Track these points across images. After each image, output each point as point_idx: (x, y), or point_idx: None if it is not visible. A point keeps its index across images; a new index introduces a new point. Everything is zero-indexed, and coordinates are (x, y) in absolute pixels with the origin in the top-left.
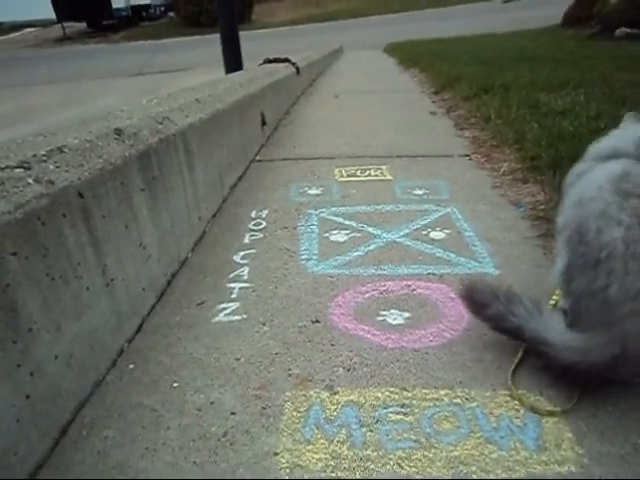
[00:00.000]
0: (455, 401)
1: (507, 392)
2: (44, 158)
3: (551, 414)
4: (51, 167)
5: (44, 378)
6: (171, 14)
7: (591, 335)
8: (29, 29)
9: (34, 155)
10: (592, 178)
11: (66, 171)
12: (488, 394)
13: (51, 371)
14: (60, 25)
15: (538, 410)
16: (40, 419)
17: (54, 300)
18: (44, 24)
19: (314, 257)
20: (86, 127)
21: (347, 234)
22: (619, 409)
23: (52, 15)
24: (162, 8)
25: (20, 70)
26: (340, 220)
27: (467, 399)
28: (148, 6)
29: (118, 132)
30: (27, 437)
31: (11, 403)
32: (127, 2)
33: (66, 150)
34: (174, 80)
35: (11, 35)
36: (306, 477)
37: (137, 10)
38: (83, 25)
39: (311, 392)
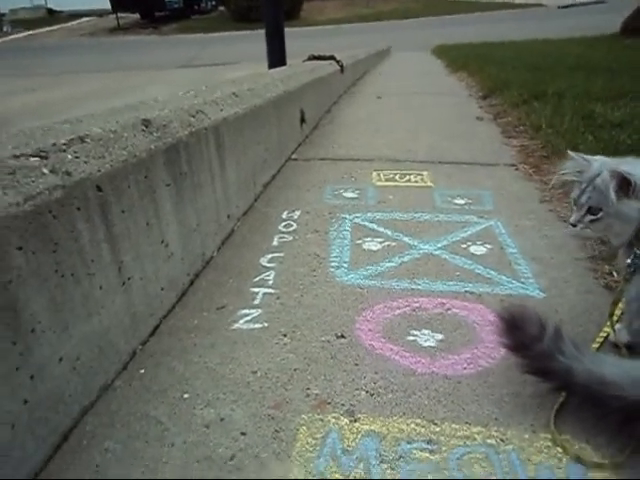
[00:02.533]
0: (489, 441)
1: (548, 436)
2: (64, 147)
3: (599, 467)
4: (69, 157)
5: (45, 382)
6: (222, 8)
7: None
8: (86, 18)
9: (53, 144)
10: None
11: (85, 162)
12: (527, 436)
13: (54, 374)
14: (115, 15)
15: (584, 461)
16: (38, 426)
17: (62, 299)
18: (100, 14)
19: (344, 265)
20: (114, 117)
21: (381, 242)
22: None
23: (108, 5)
24: (213, 2)
25: (76, 57)
26: (374, 227)
27: (502, 440)
28: None
29: (146, 123)
30: (22, 445)
31: (6, 409)
32: None
33: (88, 140)
34: (220, 73)
35: (69, 24)
36: None
37: (189, 3)
38: (136, 16)
39: (329, 417)
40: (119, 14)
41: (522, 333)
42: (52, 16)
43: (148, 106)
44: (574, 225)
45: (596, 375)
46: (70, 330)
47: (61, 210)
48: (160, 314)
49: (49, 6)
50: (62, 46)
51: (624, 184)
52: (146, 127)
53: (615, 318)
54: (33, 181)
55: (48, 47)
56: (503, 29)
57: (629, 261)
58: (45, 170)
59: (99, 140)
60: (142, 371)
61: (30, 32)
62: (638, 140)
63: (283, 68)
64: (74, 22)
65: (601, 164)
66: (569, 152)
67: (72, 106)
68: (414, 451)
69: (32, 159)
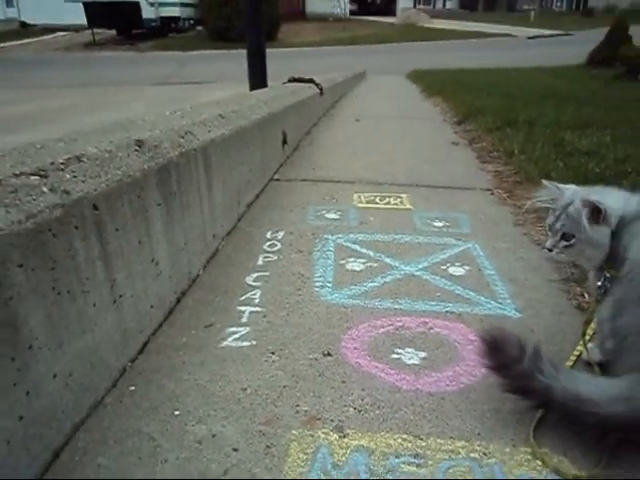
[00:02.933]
0: (472, 455)
1: (528, 449)
2: (62, 166)
3: (576, 479)
4: (68, 176)
5: (40, 398)
6: (199, 28)
7: (636, 378)
8: (61, 33)
9: (52, 163)
10: None
11: (83, 181)
12: (508, 450)
13: (48, 391)
14: (90, 31)
15: (562, 473)
16: (32, 442)
17: (58, 315)
18: (76, 29)
19: (328, 285)
20: (107, 136)
21: (363, 263)
22: None
23: (84, 21)
24: (191, 21)
25: (51, 72)
26: (357, 248)
27: (485, 454)
28: (178, 18)
29: (139, 143)
30: (16, 461)
31: (3, 425)
32: (157, 13)
33: (84, 159)
34: (199, 91)
35: (43, 37)
36: None
37: (166, 21)
38: (112, 32)
39: (319, 432)
40: (95, 30)
41: (503, 354)
42: (25, 29)
43: (138, 126)
44: (550, 250)
45: (573, 393)
46: (65, 346)
47: (60, 228)
48: (149, 332)
49: (22, 19)
50: (37, 60)
51: (595, 212)
52: (139, 147)
53: (587, 337)
54: (34, 199)
55: (22, 60)
56: (476, 56)
57: (599, 284)
58: (45, 189)
59: (95, 159)
60: (132, 388)
61: (2, 44)
62: (605, 169)
63: (266, 90)
64: (49, 36)
65: (573, 193)
66: (543, 181)
67: (67, 116)
68: (402, 465)
69: (32, 178)
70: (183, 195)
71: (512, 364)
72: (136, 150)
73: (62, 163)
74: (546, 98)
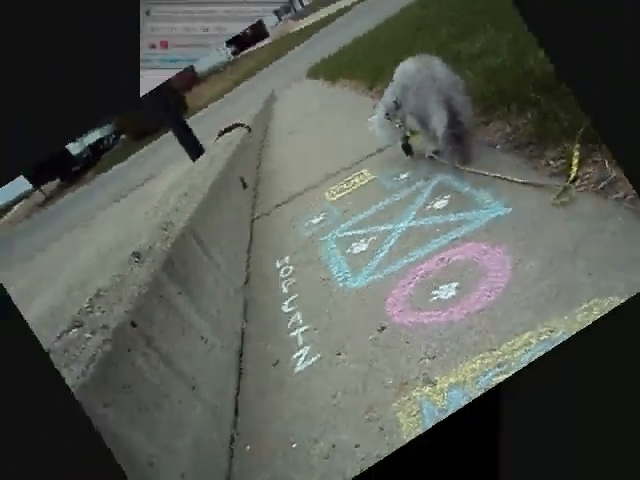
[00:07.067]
0: (542, 338)
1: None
2: (89, 309)
3: None
4: (98, 314)
5: None
6: (122, 136)
7: None
8: (14, 206)
9: (79, 311)
10: None
11: (112, 310)
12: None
13: None
14: (39, 190)
15: None
16: None
17: (156, 427)
18: (26, 195)
19: (348, 275)
20: (105, 261)
21: (365, 242)
22: None
23: (28, 186)
24: (113, 135)
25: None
26: (352, 232)
27: (551, 331)
28: (102, 139)
29: (137, 255)
30: None
31: None
32: (83, 144)
33: (102, 293)
34: (154, 185)
35: (4, 218)
36: None
37: (94, 147)
38: (56, 182)
39: (413, 392)
40: (42, 187)
41: None
42: None
43: (127, 241)
44: None
45: None
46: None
47: (118, 356)
48: (232, 393)
49: None
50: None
51: None
52: (138, 258)
53: None
54: (84, 348)
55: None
56: None
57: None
58: (87, 334)
59: (111, 287)
60: (248, 448)
61: None
62: None
63: (205, 156)
64: (8, 214)
65: None
66: None
67: None
68: (493, 378)
69: (73, 331)
70: (192, 274)
71: None
72: (136, 261)
73: (87, 306)
74: None
